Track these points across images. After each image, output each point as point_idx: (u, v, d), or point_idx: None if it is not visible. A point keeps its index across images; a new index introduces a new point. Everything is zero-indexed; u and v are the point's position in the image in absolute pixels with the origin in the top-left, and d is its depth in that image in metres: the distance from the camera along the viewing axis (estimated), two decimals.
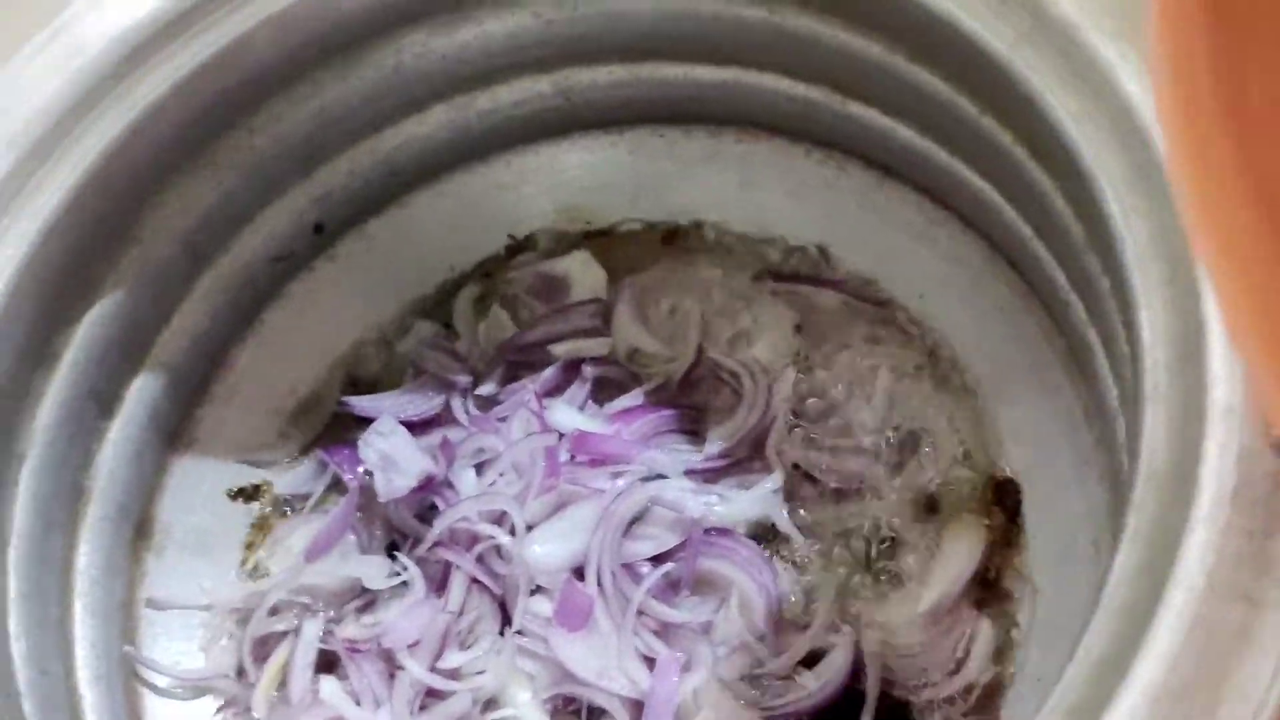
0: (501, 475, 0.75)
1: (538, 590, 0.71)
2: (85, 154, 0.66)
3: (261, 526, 0.81)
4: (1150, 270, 0.49)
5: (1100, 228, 0.53)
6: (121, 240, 0.70)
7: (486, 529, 0.72)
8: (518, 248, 0.86)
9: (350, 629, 0.73)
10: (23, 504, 0.66)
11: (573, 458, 0.74)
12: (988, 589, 0.70)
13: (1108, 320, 0.58)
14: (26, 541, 0.65)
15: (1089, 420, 0.67)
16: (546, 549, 0.71)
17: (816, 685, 0.68)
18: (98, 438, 0.73)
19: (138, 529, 0.76)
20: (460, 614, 0.72)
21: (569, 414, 0.76)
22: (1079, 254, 0.59)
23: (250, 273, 0.80)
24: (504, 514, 0.72)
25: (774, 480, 0.73)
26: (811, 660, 0.69)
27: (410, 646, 0.71)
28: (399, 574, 0.74)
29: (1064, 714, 0.43)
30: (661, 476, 0.73)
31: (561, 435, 0.75)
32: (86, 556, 0.71)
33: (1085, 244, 0.58)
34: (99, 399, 0.72)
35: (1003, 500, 0.72)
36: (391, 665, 0.71)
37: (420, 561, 0.74)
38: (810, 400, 0.76)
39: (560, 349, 0.80)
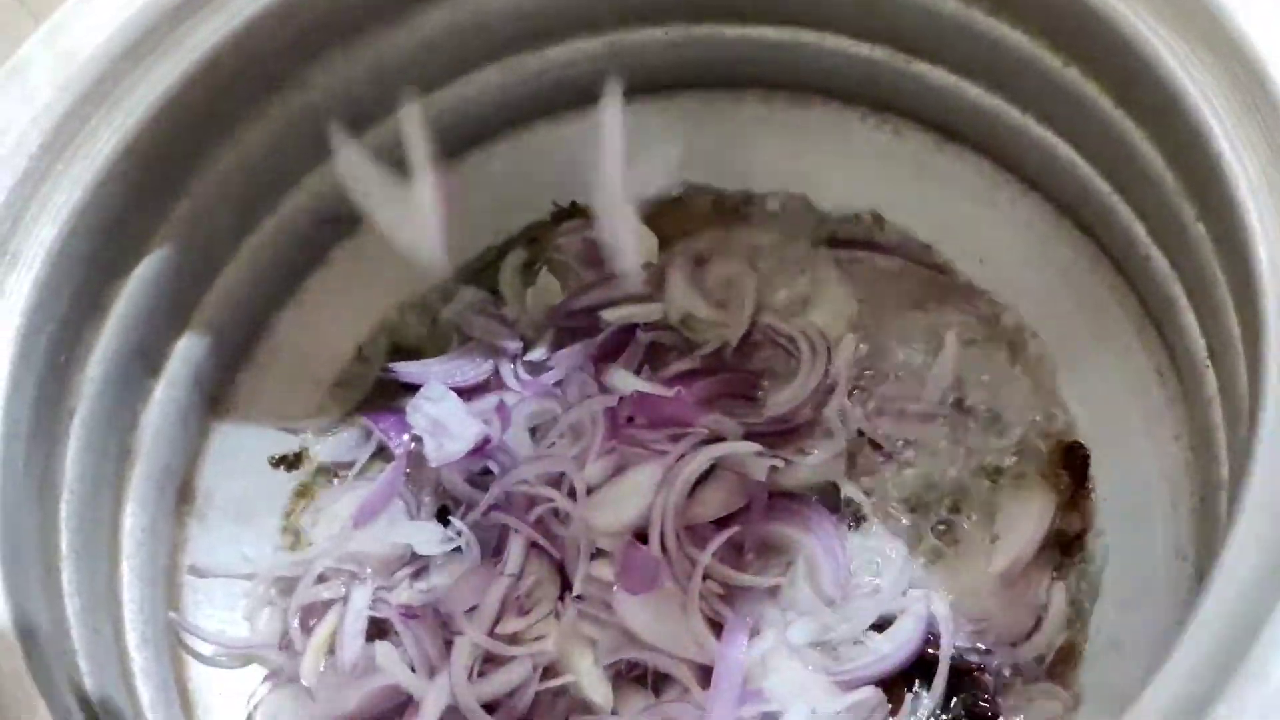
0: (560, 438, 0.73)
1: (598, 554, 0.69)
2: (139, 101, 0.64)
3: (304, 494, 0.79)
4: (1266, 204, 0.49)
5: (1203, 169, 0.52)
6: (173, 193, 0.68)
7: (545, 491, 0.70)
8: (564, 214, 0.85)
9: (404, 594, 0.71)
10: (73, 458, 0.63)
11: (631, 420, 0.72)
12: (1060, 553, 0.69)
13: (1201, 268, 0.57)
14: (77, 497, 0.63)
15: (1161, 379, 0.67)
16: (608, 511, 0.69)
17: (888, 649, 0.66)
18: (143, 398, 0.70)
19: (180, 493, 0.74)
20: (519, 578, 0.70)
21: (626, 377, 0.74)
22: (1169, 201, 0.59)
23: (296, 235, 0.78)
24: (562, 476, 0.71)
25: (836, 444, 0.72)
26: (882, 626, 0.68)
27: (467, 612, 0.69)
28: (452, 539, 0.72)
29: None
30: (721, 439, 0.71)
31: (620, 399, 0.73)
32: (133, 518, 0.68)
33: (1178, 190, 0.58)
34: (145, 357, 0.70)
35: (1071, 463, 0.71)
36: (447, 631, 0.69)
37: (475, 527, 0.72)
38: (872, 365, 0.75)
39: (612, 314, 0.78)
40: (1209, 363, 0.59)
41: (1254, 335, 0.49)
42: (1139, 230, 0.64)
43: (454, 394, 0.76)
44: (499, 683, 0.67)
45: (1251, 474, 0.44)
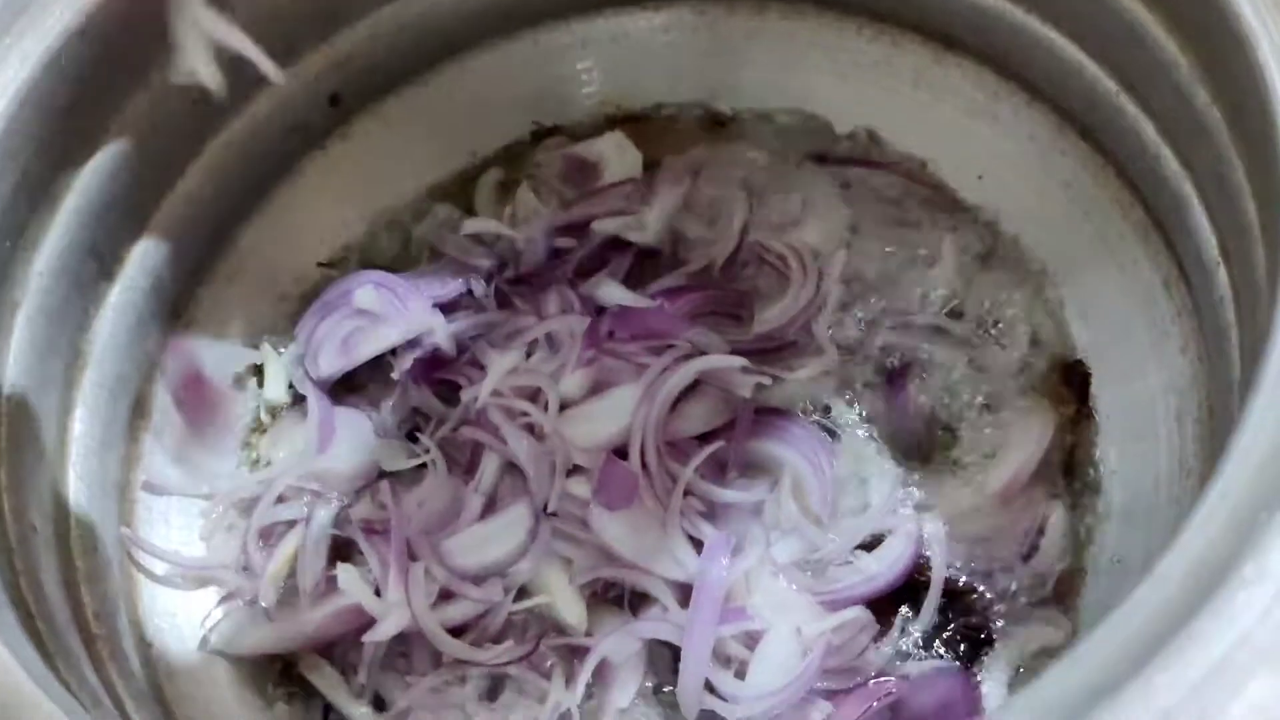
0: (534, 354, 0.70)
1: (575, 471, 0.66)
2: None
3: (267, 412, 0.75)
4: None
5: (1221, 39, 0.50)
6: (130, 82, 0.65)
7: (520, 405, 0.67)
8: (544, 133, 0.81)
9: (366, 509, 0.68)
10: (16, 353, 0.60)
11: (612, 334, 0.69)
12: (1060, 473, 0.66)
13: (1216, 155, 0.54)
14: (19, 393, 0.59)
15: (1168, 291, 0.64)
16: (585, 426, 0.66)
17: (877, 569, 0.63)
18: (96, 301, 0.67)
19: (135, 407, 0.70)
20: (491, 497, 0.66)
21: (610, 288, 0.71)
22: (1182, 89, 0.56)
23: (262, 142, 0.74)
24: (538, 391, 0.67)
25: (826, 361, 0.69)
26: (872, 546, 0.64)
27: (435, 529, 0.65)
28: (420, 456, 0.69)
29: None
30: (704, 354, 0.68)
31: (601, 311, 0.70)
32: (82, 424, 0.65)
33: (1192, 73, 0.55)
34: (99, 258, 0.66)
35: (1071, 382, 0.68)
36: (413, 550, 0.65)
37: (445, 444, 0.68)
38: (865, 281, 0.71)
39: (601, 226, 0.74)
40: (1220, 260, 0.56)
41: (1272, 208, 0.46)
42: (1148, 129, 0.61)
43: (403, 281, 0.73)
44: (467, 607, 0.64)
45: (1273, 338, 0.41)
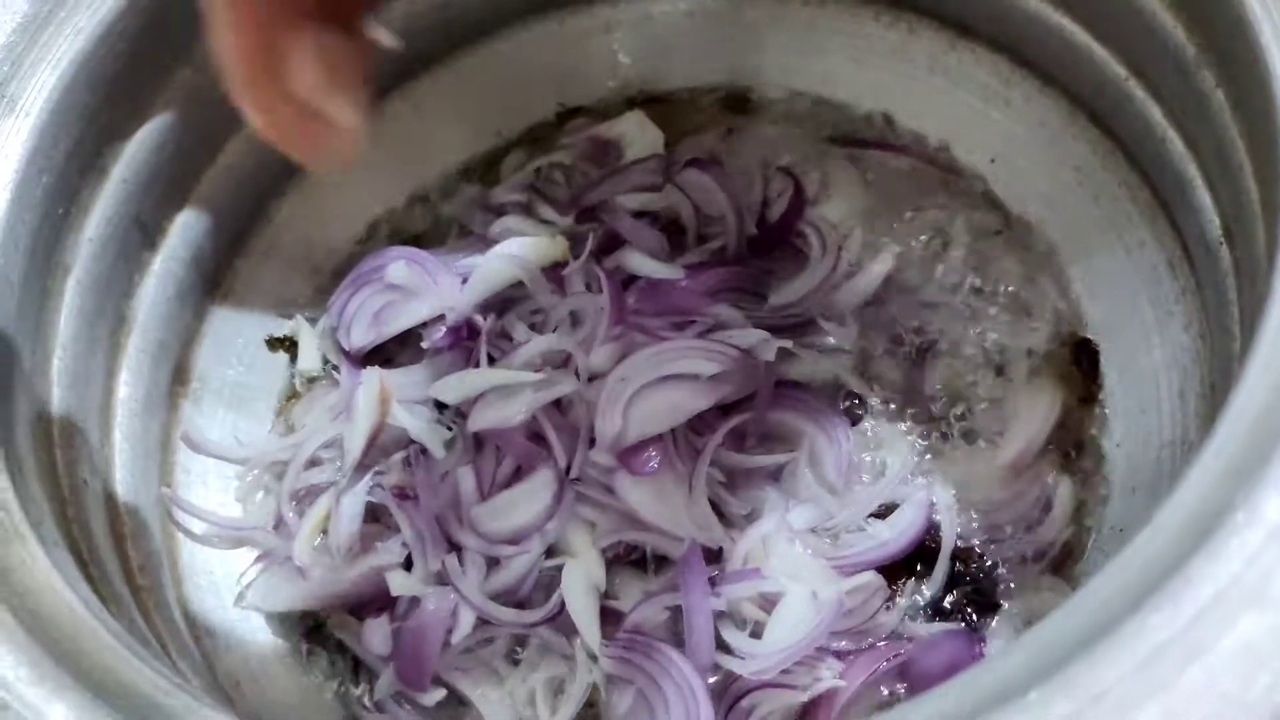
0: (559, 327, 0.72)
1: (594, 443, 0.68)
2: None
3: (302, 380, 0.78)
4: None
5: (1227, 27, 0.52)
6: (176, 58, 0.67)
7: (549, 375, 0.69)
8: (568, 114, 0.84)
9: (397, 476, 0.70)
10: (67, 316, 0.63)
11: (636, 310, 0.71)
12: (1067, 447, 0.68)
13: (1219, 137, 0.56)
14: (70, 355, 0.62)
15: (1173, 271, 0.66)
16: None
17: (889, 536, 0.66)
18: (140, 269, 0.69)
19: (175, 374, 0.72)
20: (516, 465, 0.69)
21: (638, 258, 0.73)
22: (1189, 73, 0.58)
23: None
24: (567, 359, 0.70)
25: (844, 336, 0.71)
26: (885, 515, 0.67)
27: (462, 497, 0.68)
28: (449, 428, 0.71)
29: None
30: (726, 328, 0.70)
31: (627, 284, 0.72)
32: (127, 387, 0.67)
33: (1198, 58, 0.57)
34: (143, 228, 0.69)
35: (1080, 358, 0.70)
36: (441, 519, 0.68)
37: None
38: (882, 259, 0.74)
39: (621, 201, 0.77)
40: (1223, 239, 0.59)
41: (1272, 186, 0.48)
42: (1155, 113, 0.64)
43: (432, 257, 0.75)
44: (508, 574, 0.66)
45: (1270, 303, 0.43)
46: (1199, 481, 0.40)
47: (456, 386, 0.69)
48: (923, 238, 0.75)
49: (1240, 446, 0.40)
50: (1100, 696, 0.36)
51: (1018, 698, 0.37)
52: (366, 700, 0.66)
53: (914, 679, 0.63)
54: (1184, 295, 0.65)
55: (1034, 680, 0.37)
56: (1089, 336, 0.71)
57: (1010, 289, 0.73)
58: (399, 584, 0.66)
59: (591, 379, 0.69)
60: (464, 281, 0.75)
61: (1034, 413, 0.68)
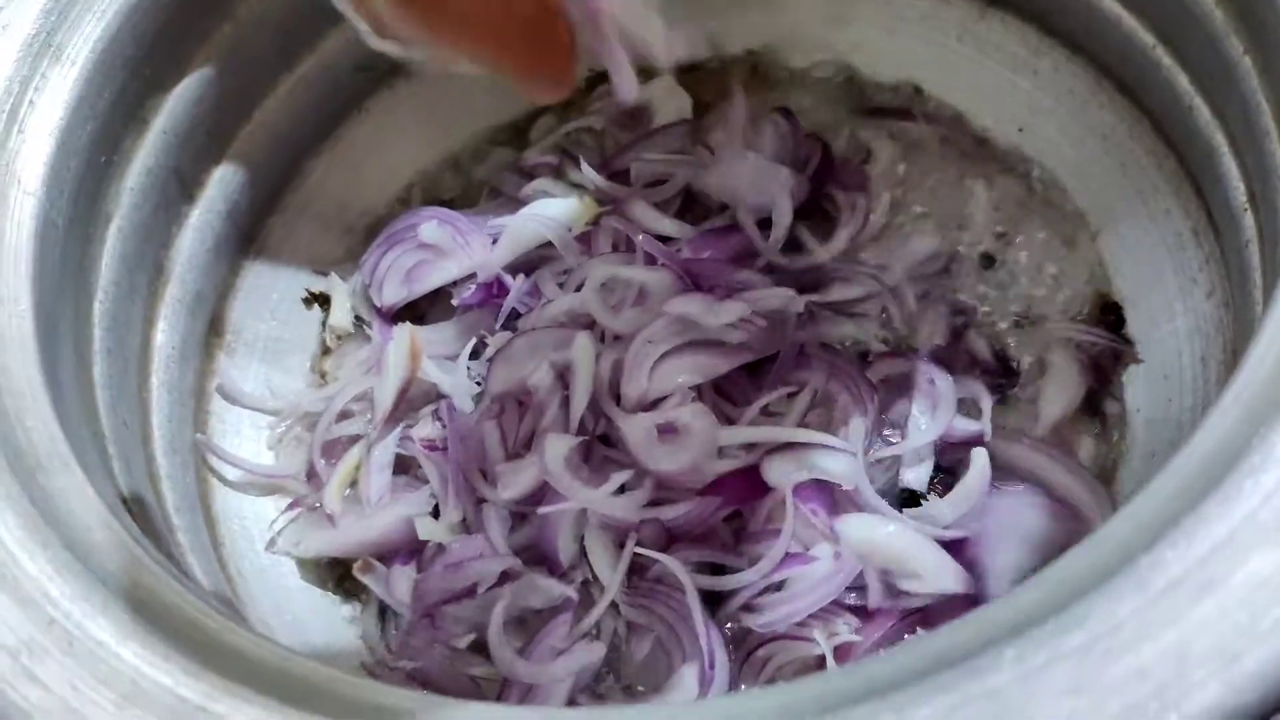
0: (583, 288, 0.73)
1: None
2: None
3: (333, 335, 0.79)
4: None
5: None
6: (218, 14, 0.69)
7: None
8: (598, 78, 0.85)
9: (426, 429, 0.71)
10: (108, 262, 0.64)
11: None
12: (1090, 410, 0.69)
13: (1245, 103, 0.57)
14: (111, 300, 0.64)
15: (1198, 239, 0.66)
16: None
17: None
18: (178, 220, 0.71)
19: (211, 325, 0.74)
20: (539, 421, 0.70)
21: (649, 215, 0.74)
22: (1216, 39, 0.58)
23: (333, 79, 0.78)
24: (592, 324, 0.71)
25: (872, 300, 0.72)
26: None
27: (487, 451, 0.69)
28: (478, 384, 0.72)
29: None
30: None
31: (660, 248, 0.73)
32: (164, 335, 0.69)
33: (1226, 24, 0.57)
34: (182, 180, 0.70)
35: (1106, 323, 0.71)
36: (467, 473, 0.69)
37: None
38: (909, 222, 0.74)
39: (648, 166, 0.78)
40: (1247, 206, 0.59)
41: None
42: (1182, 81, 0.64)
43: (463, 217, 0.77)
44: (532, 531, 0.67)
45: None
46: (1216, 425, 0.40)
47: None
48: (949, 206, 0.75)
49: (1259, 393, 0.40)
50: (1115, 629, 0.37)
51: (1033, 629, 0.38)
52: (392, 644, 0.67)
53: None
54: (1207, 263, 0.66)
55: (1048, 613, 0.38)
56: (1115, 300, 0.71)
57: (1037, 257, 0.73)
58: (426, 530, 0.68)
59: (616, 339, 0.70)
60: (494, 242, 0.76)
61: (1067, 379, 0.69)
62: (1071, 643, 0.37)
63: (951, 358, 0.70)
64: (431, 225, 0.76)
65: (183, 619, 0.44)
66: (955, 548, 0.63)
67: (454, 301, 0.75)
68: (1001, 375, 0.70)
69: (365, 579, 0.69)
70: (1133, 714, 0.35)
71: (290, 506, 0.72)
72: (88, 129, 0.61)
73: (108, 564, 0.45)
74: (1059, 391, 0.69)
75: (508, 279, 0.75)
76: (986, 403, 0.68)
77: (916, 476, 0.67)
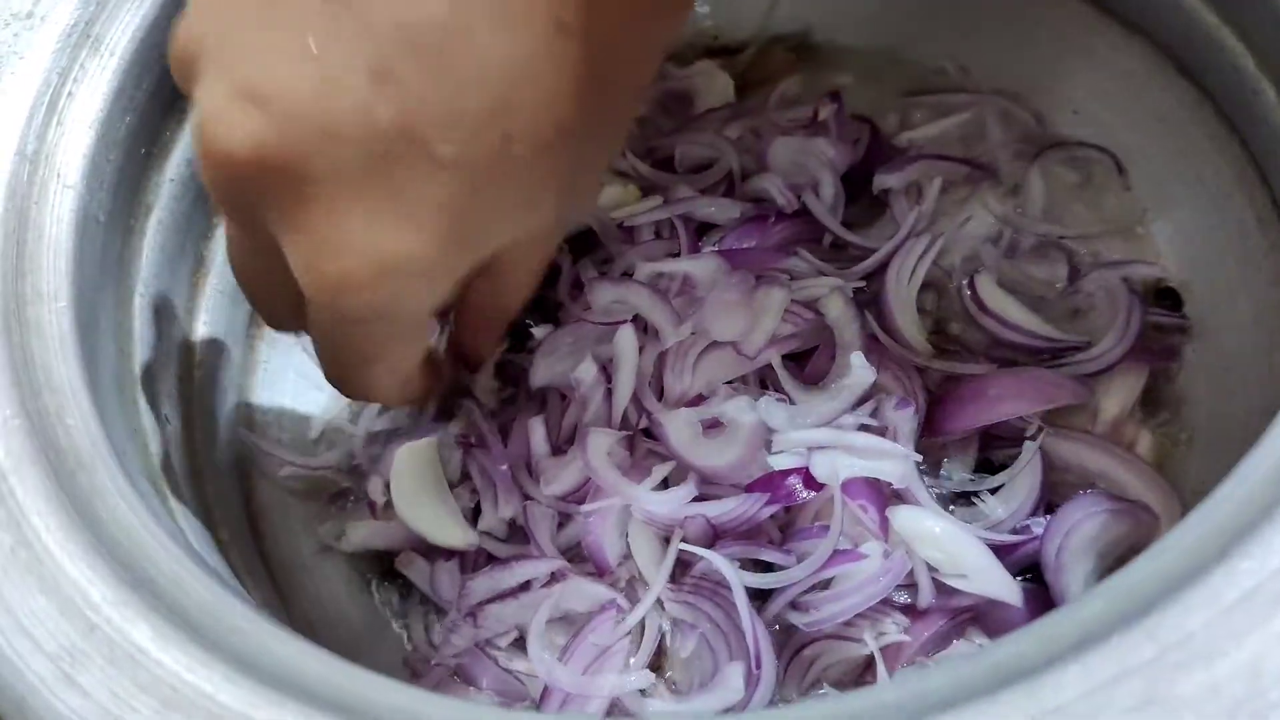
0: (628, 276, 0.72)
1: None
2: None
3: None
4: None
5: None
6: None
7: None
8: None
9: (463, 425, 0.70)
10: (148, 255, 0.64)
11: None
12: (1148, 402, 0.67)
13: None
14: (151, 293, 0.63)
15: (1262, 226, 0.64)
16: None
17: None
18: (219, 212, 0.70)
19: (252, 316, 0.73)
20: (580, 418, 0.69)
21: (704, 205, 0.72)
22: None
23: None
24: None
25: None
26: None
27: (531, 449, 0.68)
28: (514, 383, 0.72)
29: None
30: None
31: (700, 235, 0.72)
32: (206, 327, 0.69)
33: None
34: None
35: (1165, 307, 0.69)
36: (514, 465, 0.68)
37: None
38: (959, 211, 0.73)
39: (695, 146, 0.76)
40: None
41: None
42: (1248, 63, 0.62)
43: None
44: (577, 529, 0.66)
45: None
46: None
47: None
48: (1000, 190, 0.73)
49: None
50: (1184, 641, 0.35)
51: (1098, 643, 0.36)
52: (435, 639, 0.67)
53: (993, 631, 0.63)
54: (1272, 251, 0.64)
55: (1115, 626, 0.37)
56: (1173, 287, 0.69)
57: (1092, 242, 0.71)
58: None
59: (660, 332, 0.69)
60: None
61: (1126, 374, 0.67)
62: (1140, 656, 0.36)
63: (1010, 342, 0.68)
64: None
65: (223, 625, 0.43)
66: (1017, 551, 0.62)
67: None
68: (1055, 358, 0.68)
69: (407, 572, 0.69)
70: None
71: (333, 499, 0.71)
72: (127, 120, 0.61)
73: (149, 568, 0.45)
74: (1118, 384, 0.66)
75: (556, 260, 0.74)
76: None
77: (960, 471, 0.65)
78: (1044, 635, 0.38)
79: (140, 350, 0.61)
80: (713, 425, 0.65)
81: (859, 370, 0.64)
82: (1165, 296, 0.69)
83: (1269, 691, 0.34)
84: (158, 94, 0.63)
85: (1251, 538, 0.37)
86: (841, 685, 0.61)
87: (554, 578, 0.64)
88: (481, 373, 0.72)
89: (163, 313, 0.64)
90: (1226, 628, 0.35)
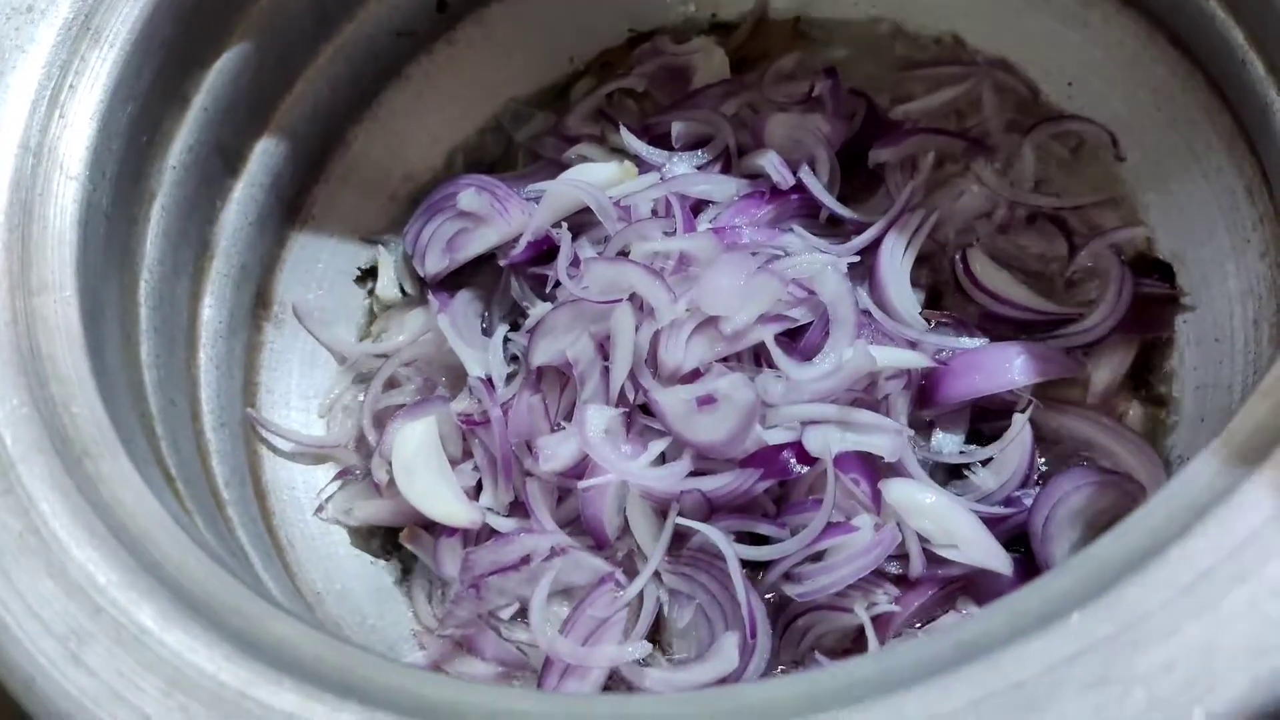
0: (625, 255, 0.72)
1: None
2: None
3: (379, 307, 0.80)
4: None
5: None
6: None
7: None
8: (640, 38, 0.84)
9: (464, 403, 0.72)
10: (153, 241, 0.65)
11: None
12: (1139, 372, 0.68)
13: None
14: (157, 279, 0.65)
15: (1251, 198, 0.65)
16: None
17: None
18: (223, 195, 0.72)
19: (258, 297, 0.75)
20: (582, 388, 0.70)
21: (699, 182, 0.73)
22: None
23: (373, 46, 0.78)
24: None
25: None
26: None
27: (529, 426, 0.69)
28: (515, 358, 0.73)
29: None
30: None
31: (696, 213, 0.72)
32: (211, 310, 0.70)
33: None
34: (225, 155, 0.71)
35: (1155, 276, 0.69)
36: (514, 442, 0.69)
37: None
38: (953, 182, 0.73)
39: (692, 123, 0.77)
40: None
41: None
42: (1237, 35, 0.62)
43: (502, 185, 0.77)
44: (575, 504, 0.67)
45: None
46: (1256, 408, 0.40)
47: None
48: (996, 163, 0.74)
49: None
50: (1143, 618, 0.36)
51: (1061, 620, 0.37)
52: (439, 612, 0.68)
53: (984, 600, 0.64)
54: (1261, 222, 0.64)
55: (1077, 603, 0.38)
56: (1164, 258, 0.70)
57: (1085, 212, 0.72)
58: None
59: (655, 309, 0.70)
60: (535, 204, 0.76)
61: (1117, 346, 0.68)
62: (1099, 633, 0.37)
63: (1002, 316, 0.69)
64: (470, 193, 0.76)
65: (225, 606, 0.45)
66: (1007, 522, 0.63)
67: (501, 262, 0.75)
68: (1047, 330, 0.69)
69: (412, 547, 0.71)
70: (1159, 707, 0.35)
71: (340, 475, 0.73)
72: (128, 110, 0.62)
73: (153, 551, 0.47)
74: (1109, 356, 0.67)
75: (556, 237, 0.74)
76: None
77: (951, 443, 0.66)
78: (1012, 611, 0.39)
79: (146, 335, 0.63)
80: (707, 401, 0.66)
81: (860, 357, 0.65)
82: (1156, 268, 0.69)
83: (1220, 667, 0.35)
84: (158, 82, 0.64)
85: (1210, 517, 0.38)
86: (834, 654, 0.63)
87: (554, 552, 0.66)
88: (490, 350, 0.73)
89: (168, 298, 0.65)
90: (1182, 605, 0.36)
